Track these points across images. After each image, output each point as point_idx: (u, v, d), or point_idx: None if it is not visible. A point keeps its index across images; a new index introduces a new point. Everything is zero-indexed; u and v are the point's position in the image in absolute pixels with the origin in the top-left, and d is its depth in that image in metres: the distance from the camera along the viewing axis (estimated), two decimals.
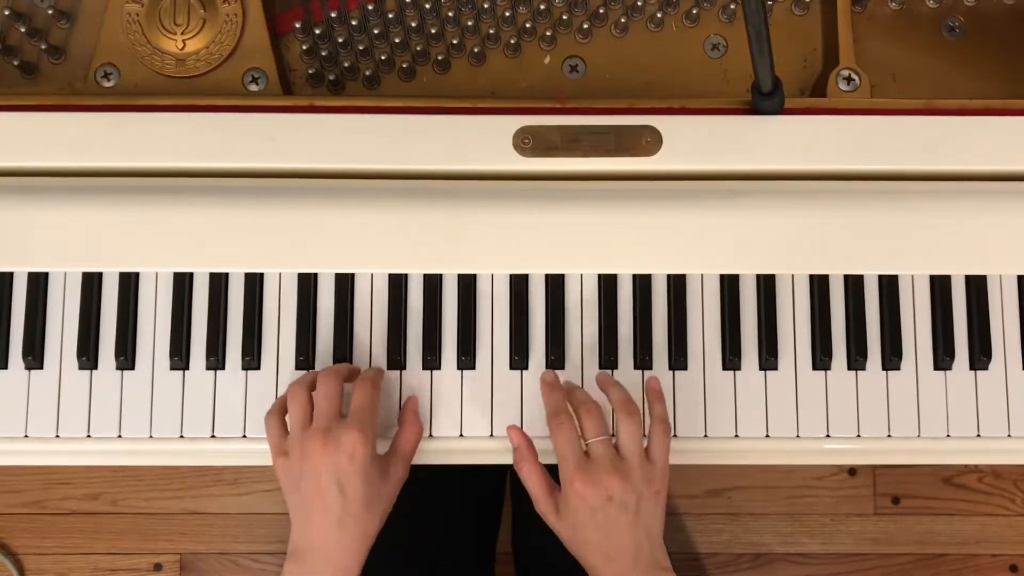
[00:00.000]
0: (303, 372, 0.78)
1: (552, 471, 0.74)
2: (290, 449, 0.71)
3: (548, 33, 0.84)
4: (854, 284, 0.79)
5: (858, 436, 0.78)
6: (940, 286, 0.80)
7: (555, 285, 0.79)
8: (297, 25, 0.82)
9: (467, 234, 0.77)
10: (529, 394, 0.78)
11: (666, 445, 0.72)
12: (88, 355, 0.78)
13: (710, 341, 0.79)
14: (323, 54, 0.83)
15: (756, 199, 0.77)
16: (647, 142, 0.78)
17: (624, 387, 0.75)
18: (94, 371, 0.78)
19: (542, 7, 0.83)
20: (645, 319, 0.79)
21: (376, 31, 0.83)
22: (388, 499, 0.73)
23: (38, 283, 0.79)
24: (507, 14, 0.84)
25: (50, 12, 0.83)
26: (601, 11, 0.84)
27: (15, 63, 0.82)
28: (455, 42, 0.84)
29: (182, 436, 0.78)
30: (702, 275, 0.80)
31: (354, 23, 0.83)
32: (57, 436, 0.78)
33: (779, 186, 0.78)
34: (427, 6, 0.82)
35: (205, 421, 0.78)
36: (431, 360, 0.78)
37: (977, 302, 0.79)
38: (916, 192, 0.78)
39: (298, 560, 0.70)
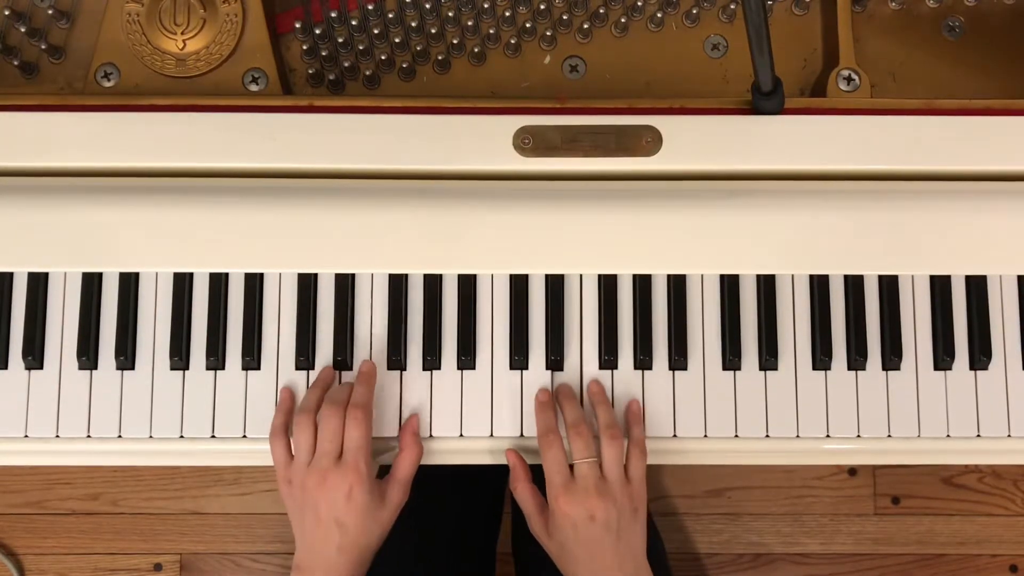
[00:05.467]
0: (303, 372, 0.78)
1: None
2: (293, 479, 0.73)
3: (548, 33, 0.84)
4: (854, 284, 0.79)
5: (858, 436, 0.78)
6: (940, 286, 0.79)
7: (555, 285, 0.79)
8: (297, 25, 0.82)
9: (467, 234, 0.77)
10: (529, 394, 0.78)
11: (642, 467, 0.75)
12: (88, 355, 0.78)
13: (710, 341, 0.79)
14: (323, 54, 0.83)
15: (756, 199, 0.77)
16: (647, 142, 0.78)
17: (611, 409, 0.76)
18: (94, 371, 0.78)
19: (542, 7, 0.83)
20: (645, 319, 0.79)
21: (376, 31, 0.83)
22: (387, 522, 0.75)
23: (38, 283, 0.79)
24: (507, 14, 0.83)
25: (50, 12, 0.83)
26: (601, 11, 0.84)
27: (15, 63, 0.82)
28: (455, 42, 0.84)
29: (182, 436, 0.78)
30: (702, 275, 0.80)
31: (354, 23, 0.83)
32: (57, 436, 0.78)
33: (779, 186, 0.78)
34: (427, 6, 0.82)
35: (205, 421, 0.78)
36: (431, 360, 0.78)
37: (977, 302, 0.79)
38: (916, 192, 0.78)
39: (303, 573, 0.73)
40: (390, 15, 0.83)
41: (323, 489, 0.71)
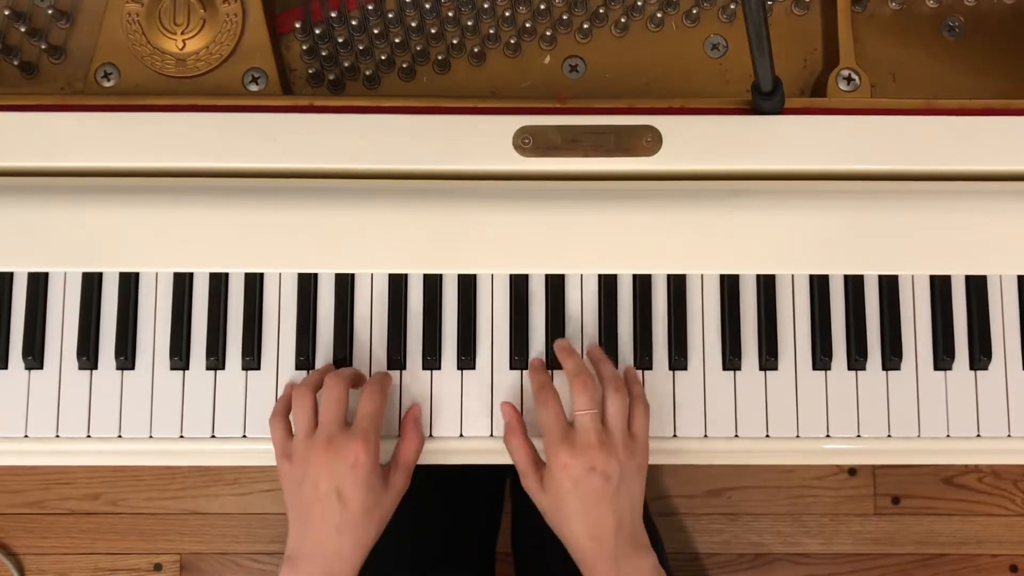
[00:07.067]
0: (303, 372, 0.78)
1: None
2: (294, 453, 0.71)
3: (548, 33, 0.84)
4: (854, 284, 0.79)
5: (858, 436, 0.78)
6: (940, 286, 0.80)
7: (555, 285, 0.79)
8: (297, 25, 0.82)
9: (467, 234, 0.77)
10: (529, 394, 0.78)
11: (646, 422, 0.74)
12: (88, 355, 0.78)
13: (710, 341, 0.79)
14: (323, 54, 0.83)
15: (756, 199, 0.77)
16: (647, 142, 0.78)
17: (613, 363, 0.76)
18: (94, 371, 0.78)
19: (542, 7, 0.83)
20: (645, 319, 0.79)
21: (376, 31, 0.83)
22: (388, 508, 0.73)
23: (38, 283, 0.79)
24: (507, 14, 0.84)
25: (50, 12, 0.83)
26: (601, 11, 0.84)
27: (15, 63, 0.82)
28: (455, 42, 0.84)
29: (182, 436, 0.78)
30: (702, 275, 0.80)
31: (354, 23, 0.83)
32: (57, 436, 0.78)
33: (779, 186, 0.78)
34: (427, 6, 0.82)
35: (205, 421, 0.78)
36: (431, 360, 0.78)
37: (977, 302, 0.79)
38: (916, 192, 0.78)
39: (294, 565, 0.70)
40: (390, 15, 0.83)
41: (327, 457, 0.69)
